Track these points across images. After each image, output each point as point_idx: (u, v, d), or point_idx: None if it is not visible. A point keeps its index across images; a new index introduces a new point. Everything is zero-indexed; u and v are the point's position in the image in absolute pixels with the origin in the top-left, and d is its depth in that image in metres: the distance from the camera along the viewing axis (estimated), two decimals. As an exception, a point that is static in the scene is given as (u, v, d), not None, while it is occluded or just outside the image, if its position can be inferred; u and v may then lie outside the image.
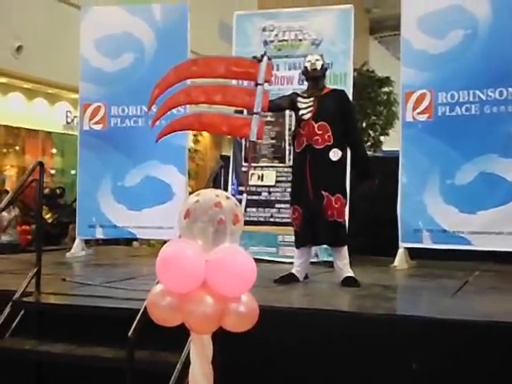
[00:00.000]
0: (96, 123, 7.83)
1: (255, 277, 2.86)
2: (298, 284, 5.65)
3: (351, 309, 4.77)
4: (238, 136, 6.03)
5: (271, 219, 7.26)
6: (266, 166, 7.39)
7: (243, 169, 7.45)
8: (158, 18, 7.74)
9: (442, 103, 6.72)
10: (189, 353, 2.98)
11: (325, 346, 4.02)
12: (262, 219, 7.20)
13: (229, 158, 7.79)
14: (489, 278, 6.10)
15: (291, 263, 6.87)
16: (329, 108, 5.47)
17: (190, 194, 3.09)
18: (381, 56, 23.94)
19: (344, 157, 5.52)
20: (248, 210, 7.22)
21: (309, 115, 5.49)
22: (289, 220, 7.05)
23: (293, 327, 4.11)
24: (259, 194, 7.35)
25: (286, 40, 7.36)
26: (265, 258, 6.95)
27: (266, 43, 7.41)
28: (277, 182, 7.29)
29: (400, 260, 6.74)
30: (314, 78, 5.61)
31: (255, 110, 5.22)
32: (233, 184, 7.45)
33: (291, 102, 5.68)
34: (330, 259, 6.84)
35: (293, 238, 7.03)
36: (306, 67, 5.63)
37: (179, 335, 3.05)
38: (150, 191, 7.55)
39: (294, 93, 5.84)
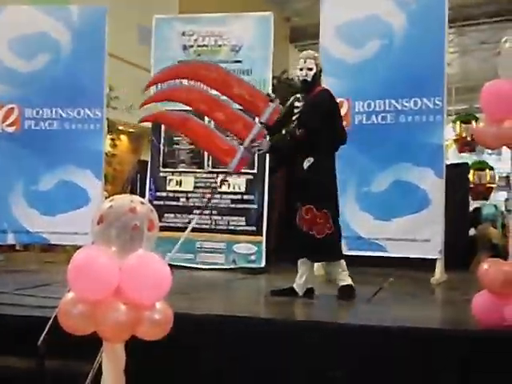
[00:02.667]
0: (9, 125, 7.58)
1: (170, 284, 2.82)
2: (215, 291, 5.61)
3: (268, 315, 4.76)
4: (217, 159, 5.66)
5: (189, 225, 7.18)
6: (185, 172, 7.34)
7: (161, 174, 7.38)
8: (75, 20, 7.57)
9: (358, 112, 6.82)
10: (101, 362, 2.91)
11: (241, 353, 3.99)
12: (179, 225, 7.13)
13: (147, 163, 7.69)
14: (403, 284, 6.22)
15: (210, 269, 6.87)
16: (312, 112, 5.19)
17: (107, 199, 3.03)
18: (300, 64, 24.15)
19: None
20: (166, 215, 7.16)
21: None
22: (207, 226, 7.06)
23: (209, 334, 4.07)
24: (177, 199, 7.29)
25: (206, 45, 7.34)
26: (183, 264, 6.89)
27: (185, 48, 7.36)
28: (195, 187, 7.24)
29: (317, 267, 6.78)
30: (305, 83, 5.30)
31: (245, 145, 5.11)
32: (150, 189, 7.36)
33: (289, 109, 5.35)
34: (249, 265, 6.88)
35: (211, 245, 7.07)
36: (297, 76, 5.34)
37: (92, 343, 2.96)
38: (65, 196, 7.36)
39: (294, 97, 5.44)
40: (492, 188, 12.62)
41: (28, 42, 7.55)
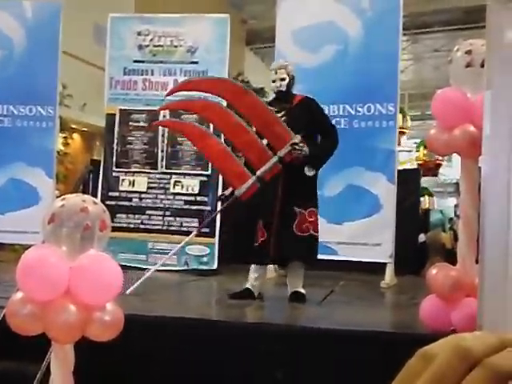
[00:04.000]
0: (-40, 121, 7.46)
1: (121, 285, 2.80)
2: (167, 292, 5.58)
3: (219, 317, 4.76)
4: (228, 180, 5.48)
5: (141, 226, 7.15)
6: (138, 172, 7.29)
7: (113, 174, 7.32)
8: (28, 16, 7.48)
9: None
10: (49, 363, 2.87)
11: (192, 356, 3.98)
12: (132, 226, 7.09)
13: (100, 162, 7.62)
14: (354, 288, 6.29)
15: (161, 271, 6.83)
16: (300, 120, 5.18)
17: (58, 198, 3.00)
18: (256, 67, 24.24)
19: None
20: (118, 215, 7.10)
21: None
22: (160, 227, 7.02)
23: (160, 336, 4.05)
24: (130, 199, 7.24)
25: (162, 45, 7.30)
26: (134, 265, 6.84)
27: (140, 47, 7.32)
28: (148, 188, 7.20)
29: (269, 268, 6.80)
30: (281, 93, 5.35)
31: (258, 174, 5.02)
32: (103, 189, 7.29)
33: None
34: (201, 267, 6.87)
35: (163, 246, 7.02)
36: (273, 81, 5.36)
37: (40, 344, 2.92)
38: (15, 194, 7.27)
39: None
40: (441, 164, 12.87)
41: (-20, 37, 7.44)
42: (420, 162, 13.26)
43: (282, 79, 5.29)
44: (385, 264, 6.50)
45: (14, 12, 7.49)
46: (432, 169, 13.28)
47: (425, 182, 11.31)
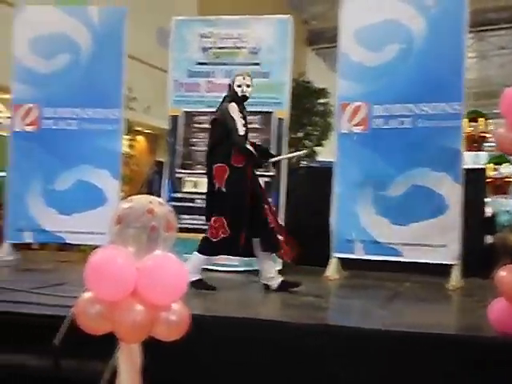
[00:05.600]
0: (28, 124, 7.64)
1: (187, 285, 2.82)
2: (231, 293, 5.61)
3: (282, 318, 4.74)
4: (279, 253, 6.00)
5: (205, 227, 7.17)
6: (201, 173, 7.32)
7: (177, 175, 7.38)
8: (95, 21, 7.61)
9: (377, 116, 6.80)
10: (117, 362, 2.91)
11: (255, 356, 3.99)
12: (195, 226, 7.13)
13: (163, 163, 7.70)
14: (419, 290, 6.19)
15: (224, 271, 6.88)
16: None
17: (123, 199, 3.04)
18: (317, 68, 24.19)
19: None
20: (182, 217, 7.16)
21: (243, 133, 5.60)
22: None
23: (223, 336, 4.07)
24: (193, 201, 7.29)
25: (225, 47, 7.33)
26: (198, 265, 6.88)
27: (204, 50, 7.37)
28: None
29: (332, 270, 6.77)
30: (245, 98, 5.76)
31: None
32: (167, 191, 7.36)
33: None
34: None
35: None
36: (235, 92, 5.70)
37: (108, 343, 2.97)
38: (82, 195, 7.40)
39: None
40: (510, 182, 12.55)
41: (48, 42, 7.61)
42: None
43: (248, 86, 5.72)
44: (450, 266, 6.39)
45: (81, 17, 7.63)
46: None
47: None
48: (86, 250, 8.85)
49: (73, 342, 3.42)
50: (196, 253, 5.60)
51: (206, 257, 5.64)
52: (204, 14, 13.11)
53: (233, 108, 5.62)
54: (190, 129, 7.39)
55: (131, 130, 11.84)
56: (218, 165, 5.59)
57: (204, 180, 7.19)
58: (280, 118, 7.15)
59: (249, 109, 7.08)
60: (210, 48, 7.37)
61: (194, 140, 7.40)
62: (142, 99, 13.03)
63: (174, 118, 7.40)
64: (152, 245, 2.82)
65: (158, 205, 2.88)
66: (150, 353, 2.91)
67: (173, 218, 2.90)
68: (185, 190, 7.33)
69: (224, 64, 7.31)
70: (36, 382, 3.83)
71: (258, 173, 7.01)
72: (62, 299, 4.45)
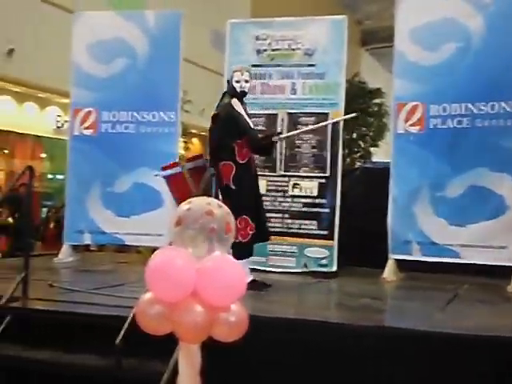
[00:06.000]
0: (86, 128, 7.79)
1: (245, 286, 2.83)
2: (287, 294, 5.62)
3: (340, 320, 4.73)
4: None
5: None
6: (257, 175, 7.35)
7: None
8: (151, 25, 7.71)
9: (433, 116, 6.72)
10: (177, 362, 2.95)
11: (313, 357, 3.99)
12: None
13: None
14: (478, 292, 6.09)
15: (280, 273, 6.89)
16: None
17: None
18: (371, 67, 24.02)
19: None
20: (238, 218, 7.19)
21: (253, 126, 5.73)
22: (279, 229, 7.08)
23: (282, 337, 4.08)
24: (249, 202, 7.30)
25: (280, 49, 7.33)
26: (254, 267, 6.90)
27: (259, 52, 7.39)
28: (267, 190, 7.24)
29: (389, 272, 6.72)
30: (243, 94, 5.80)
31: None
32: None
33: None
34: (320, 269, 6.86)
35: (282, 248, 7.06)
36: (234, 87, 5.73)
37: (168, 343, 3.01)
38: (140, 198, 7.50)
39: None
40: None
41: (106, 47, 7.74)
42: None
43: (247, 81, 5.75)
44: (510, 267, 6.26)
45: (138, 22, 7.74)
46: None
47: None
48: (143, 252, 8.99)
49: (133, 342, 3.47)
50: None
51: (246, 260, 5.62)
52: (257, 16, 13.17)
53: (236, 103, 5.67)
54: (245, 131, 7.40)
55: (186, 133, 11.94)
56: (224, 162, 5.64)
57: (260, 182, 7.24)
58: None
59: (304, 110, 7.14)
60: (265, 50, 7.38)
61: (251, 142, 7.41)
62: (196, 102, 13.12)
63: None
64: (211, 246, 2.84)
65: (217, 206, 2.89)
66: (207, 353, 2.94)
67: (231, 220, 2.91)
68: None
69: (279, 66, 7.32)
70: (97, 382, 3.90)
71: (313, 174, 7.07)
72: (123, 300, 4.53)
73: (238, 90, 5.72)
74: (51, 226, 13.35)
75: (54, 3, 13.36)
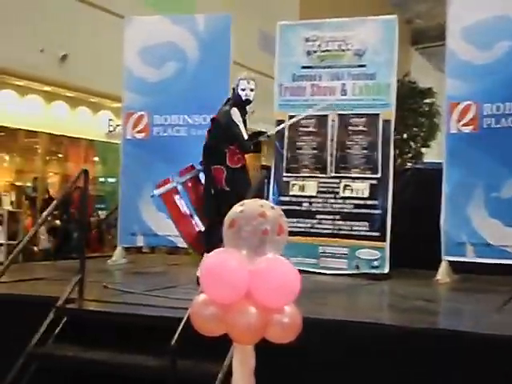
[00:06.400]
0: (138, 132, 7.89)
1: (299, 288, 2.84)
2: (339, 296, 5.60)
3: (393, 322, 4.69)
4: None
5: (312, 230, 7.21)
6: (307, 177, 7.35)
7: (284, 179, 7.43)
8: (201, 28, 7.77)
9: (487, 115, 6.62)
10: (231, 363, 2.96)
11: (367, 359, 3.97)
12: (302, 230, 7.16)
13: (269, 168, 7.77)
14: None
15: (331, 275, 6.86)
16: None
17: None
18: (422, 67, 23.75)
19: None
20: (288, 220, 7.16)
21: (247, 137, 5.79)
22: (330, 231, 7.06)
23: (335, 339, 4.06)
24: (300, 204, 7.31)
25: (330, 50, 7.32)
26: (305, 269, 6.90)
27: (308, 53, 7.38)
28: (318, 192, 7.24)
29: (443, 273, 6.64)
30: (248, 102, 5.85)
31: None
32: (274, 194, 7.42)
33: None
34: (372, 271, 6.82)
35: (333, 250, 7.05)
36: (239, 95, 5.79)
37: (221, 345, 3.03)
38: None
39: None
40: None
41: (156, 52, 7.83)
42: None
43: (252, 90, 5.81)
44: None
45: (188, 26, 7.81)
46: None
47: None
48: (193, 254, 9.04)
49: (187, 343, 3.50)
50: None
51: None
52: (305, 17, 13.14)
53: (235, 113, 5.73)
54: (295, 132, 7.42)
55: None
56: (216, 166, 5.73)
57: (311, 183, 7.27)
58: (386, 120, 7.08)
59: (354, 111, 7.12)
60: (315, 51, 7.37)
61: (300, 143, 7.42)
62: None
63: (280, 122, 7.45)
64: (264, 248, 2.85)
65: (270, 208, 2.90)
66: (263, 354, 2.95)
67: (284, 222, 2.92)
68: (291, 194, 7.36)
69: (329, 67, 7.31)
70: (151, 382, 3.94)
71: (364, 176, 7.02)
72: (176, 301, 4.58)
73: (243, 98, 5.81)
74: (93, 230, 13.66)
75: (106, 9, 13.57)
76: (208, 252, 5.77)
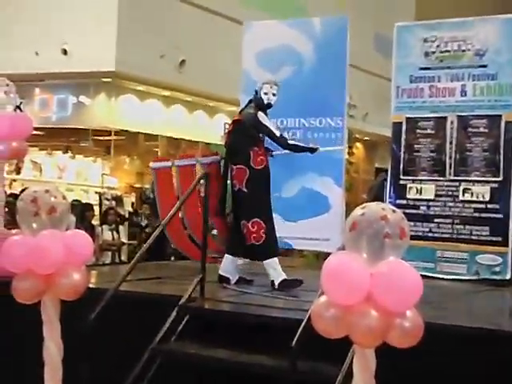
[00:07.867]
0: (256, 135, 7.99)
1: (421, 292, 2.82)
2: (458, 301, 5.48)
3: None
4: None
5: (429, 234, 7.09)
6: (425, 180, 7.24)
7: (401, 182, 7.34)
8: (317, 31, 7.78)
9: None
10: (350, 366, 2.97)
11: (487, 367, 3.87)
12: (419, 234, 7.05)
13: (385, 170, 7.70)
14: None
15: (450, 280, 6.73)
16: None
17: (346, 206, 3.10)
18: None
19: None
20: (405, 223, 7.09)
21: (279, 134, 5.96)
22: (449, 235, 6.92)
23: (456, 346, 3.99)
24: (417, 207, 7.21)
25: (449, 51, 7.18)
26: (423, 273, 6.77)
27: (427, 54, 7.28)
28: (436, 195, 7.12)
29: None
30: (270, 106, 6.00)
31: None
32: (390, 198, 7.35)
33: None
34: (493, 277, 6.64)
35: (452, 254, 6.90)
36: (261, 98, 5.93)
37: (339, 347, 3.04)
38: (307, 203, 7.58)
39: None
40: None
41: (274, 55, 7.88)
42: None
43: (274, 94, 5.95)
44: None
45: (304, 29, 7.84)
46: None
47: None
48: (307, 256, 9.09)
49: (307, 344, 3.53)
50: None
51: (275, 259, 5.74)
52: (422, 18, 12.92)
53: (262, 117, 5.83)
54: (413, 135, 7.33)
55: (350, 138, 11.93)
56: (239, 167, 5.77)
57: (429, 186, 7.15)
58: (508, 121, 6.88)
59: (474, 112, 6.96)
60: (433, 52, 7.26)
61: (418, 146, 7.32)
62: (359, 106, 13.09)
63: (397, 125, 7.39)
64: (385, 251, 2.84)
65: (391, 212, 2.89)
66: (384, 357, 2.94)
67: (406, 225, 2.90)
68: (409, 197, 7.27)
69: (448, 68, 7.18)
70: (270, 382, 3.99)
71: (485, 179, 6.85)
72: (295, 302, 4.62)
73: (265, 101, 5.92)
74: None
75: (222, 14, 13.86)
76: (228, 252, 6.00)
